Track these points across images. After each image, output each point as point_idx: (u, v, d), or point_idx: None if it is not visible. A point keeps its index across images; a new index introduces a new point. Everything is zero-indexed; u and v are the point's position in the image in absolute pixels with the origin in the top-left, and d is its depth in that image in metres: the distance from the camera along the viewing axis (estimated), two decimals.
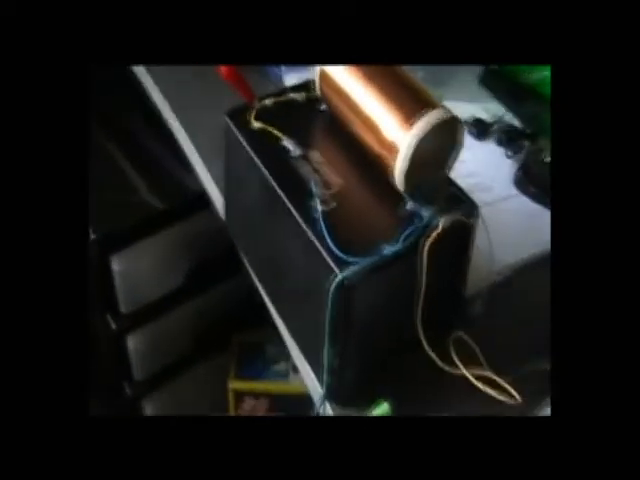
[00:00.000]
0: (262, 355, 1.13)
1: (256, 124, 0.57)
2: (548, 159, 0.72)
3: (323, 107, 0.59)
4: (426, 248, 0.48)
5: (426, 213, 0.50)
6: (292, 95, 0.60)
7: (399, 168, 0.49)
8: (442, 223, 0.49)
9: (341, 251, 0.47)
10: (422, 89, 0.52)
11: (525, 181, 0.72)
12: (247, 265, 0.66)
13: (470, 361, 0.55)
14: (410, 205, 0.51)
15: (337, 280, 0.47)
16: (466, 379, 0.55)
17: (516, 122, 0.79)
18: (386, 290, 0.50)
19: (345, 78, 0.54)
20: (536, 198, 0.72)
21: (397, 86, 0.51)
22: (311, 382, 0.57)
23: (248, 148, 0.57)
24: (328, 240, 0.48)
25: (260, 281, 0.63)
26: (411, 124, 0.48)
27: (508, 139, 0.76)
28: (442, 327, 0.55)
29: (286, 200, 0.52)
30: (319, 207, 0.50)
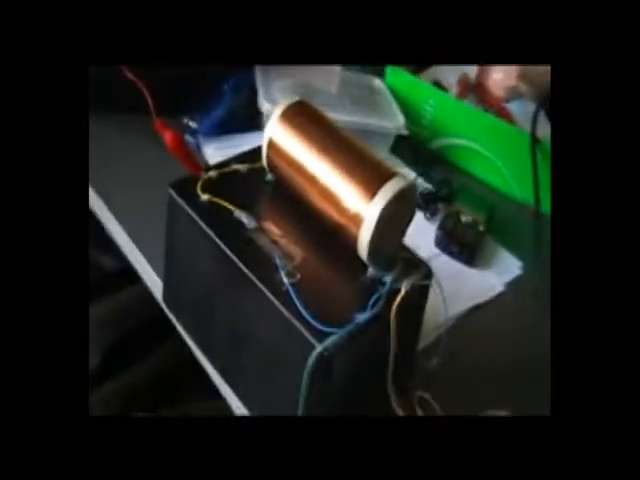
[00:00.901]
0: None
1: (204, 196, 0.57)
2: (464, 219, 0.78)
3: (268, 177, 0.60)
4: (393, 312, 0.50)
5: (388, 279, 0.52)
6: (235, 166, 0.61)
7: (364, 238, 0.51)
8: (404, 287, 0.51)
9: (316, 322, 0.48)
10: (375, 157, 0.55)
11: (445, 241, 0.77)
12: (190, 342, 0.64)
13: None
14: (371, 272, 0.53)
15: (317, 352, 0.47)
16: None
17: (429, 186, 0.84)
18: (358, 357, 0.51)
19: (297, 149, 0.55)
20: (456, 257, 0.77)
21: (352, 155, 0.54)
22: None
23: (199, 221, 0.56)
24: (303, 312, 0.48)
25: (209, 357, 0.61)
26: (373, 194, 0.51)
27: (425, 203, 0.81)
28: (404, 385, 0.57)
29: (250, 274, 0.52)
30: (285, 280, 0.51)
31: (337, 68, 0.90)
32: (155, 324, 0.87)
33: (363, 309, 0.50)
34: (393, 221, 0.52)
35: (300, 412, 0.50)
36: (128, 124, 0.79)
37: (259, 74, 0.86)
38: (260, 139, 0.60)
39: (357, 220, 0.51)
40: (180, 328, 0.65)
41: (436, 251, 0.77)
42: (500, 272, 0.77)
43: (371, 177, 0.52)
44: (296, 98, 0.58)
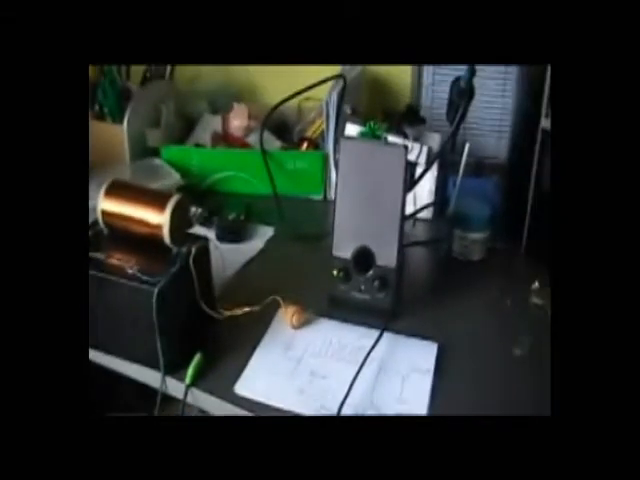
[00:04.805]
0: None
1: None
2: (230, 217, 1.30)
3: (105, 231, 1.08)
4: (192, 259, 1.00)
5: (184, 250, 1.02)
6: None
7: (166, 233, 1.00)
8: (194, 248, 1.01)
9: (151, 278, 0.97)
10: (161, 192, 1.05)
11: (223, 234, 1.29)
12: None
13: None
14: (174, 250, 1.02)
15: (156, 291, 0.95)
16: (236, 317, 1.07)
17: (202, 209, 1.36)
18: (178, 290, 1.00)
19: (118, 207, 1.04)
20: (232, 241, 1.28)
21: (148, 196, 1.04)
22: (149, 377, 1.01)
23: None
24: (144, 278, 0.97)
25: (102, 349, 1.05)
26: (164, 210, 1.00)
27: (203, 219, 1.32)
28: (212, 306, 1.06)
29: (112, 277, 0.98)
30: (130, 270, 0.99)
31: (128, 164, 1.39)
32: None
33: (174, 265, 1.00)
34: (179, 218, 1.02)
35: (157, 336, 0.97)
36: None
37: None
38: None
39: (160, 227, 1.01)
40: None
41: (219, 244, 1.26)
42: (261, 237, 1.30)
43: (160, 202, 1.02)
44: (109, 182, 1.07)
